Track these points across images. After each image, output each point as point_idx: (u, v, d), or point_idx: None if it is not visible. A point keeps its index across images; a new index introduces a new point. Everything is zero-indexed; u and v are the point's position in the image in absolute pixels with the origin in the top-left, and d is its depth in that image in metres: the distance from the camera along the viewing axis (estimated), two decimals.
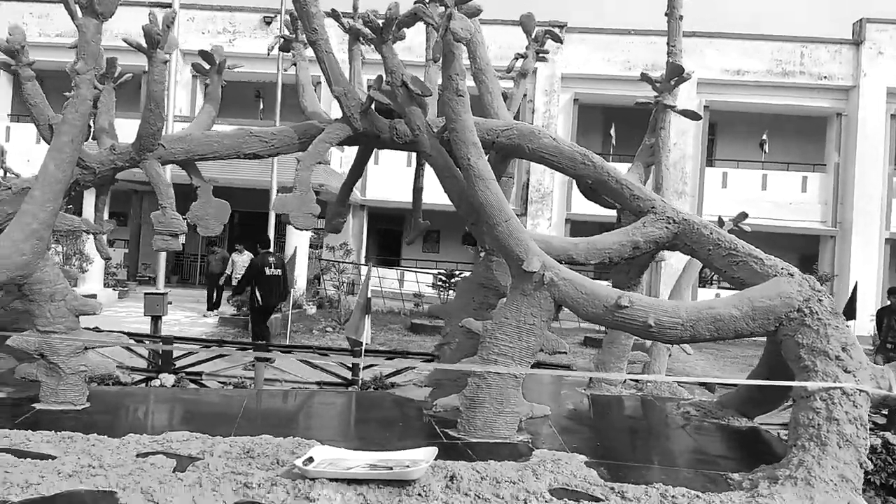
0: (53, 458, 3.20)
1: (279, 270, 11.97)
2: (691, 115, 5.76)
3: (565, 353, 4.17)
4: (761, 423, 4.93)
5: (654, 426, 4.89)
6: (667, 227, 4.54)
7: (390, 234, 27.15)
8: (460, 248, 25.82)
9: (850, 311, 13.87)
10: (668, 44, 6.06)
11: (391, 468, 3.11)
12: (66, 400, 4.15)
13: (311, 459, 3.19)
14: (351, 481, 3.03)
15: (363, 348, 8.42)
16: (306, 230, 4.47)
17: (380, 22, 4.34)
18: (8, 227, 3.91)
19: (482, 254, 5.18)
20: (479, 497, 3.01)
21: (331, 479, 3.02)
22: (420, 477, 3.05)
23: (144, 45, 4.06)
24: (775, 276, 4.02)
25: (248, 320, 15.03)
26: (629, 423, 5.09)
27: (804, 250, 23.11)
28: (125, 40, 4.11)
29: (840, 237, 22.86)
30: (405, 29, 4.48)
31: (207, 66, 4.86)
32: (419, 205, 5.68)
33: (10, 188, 4.22)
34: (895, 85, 22.50)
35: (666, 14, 6.10)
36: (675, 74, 5.59)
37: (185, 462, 3.26)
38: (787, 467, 3.39)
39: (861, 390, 3.50)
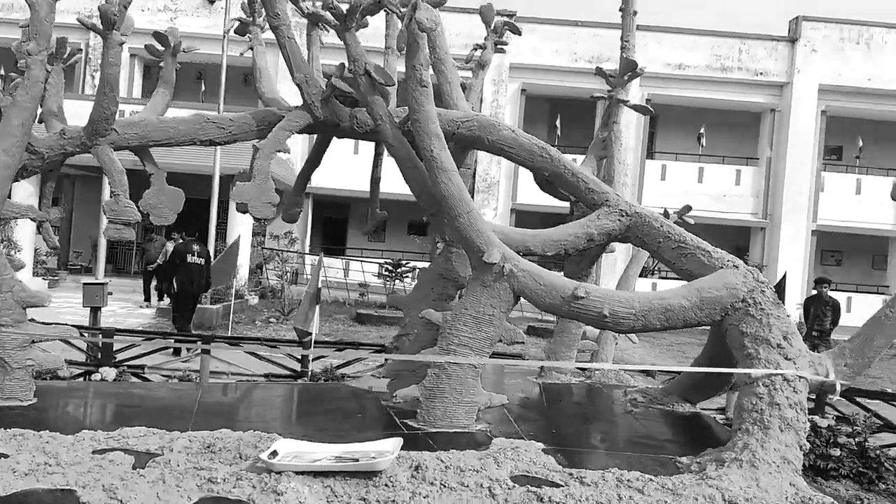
0: (6, 456, 3.11)
1: (202, 259, 11.67)
2: (643, 109, 5.92)
3: (523, 343, 4.27)
4: (702, 409, 5.15)
5: (603, 413, 5.05)
6: (619, 220, 4.68)
7: (335, 222, 26.91)
8: (406, 237, 25.80)
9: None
10: (621, 38, 6.21)
11: (357, 460, 3.14)
12: (12, 396, 4.01)
13: (275, 453, 3.19)
14: (317, 474, 3.05)
15: (312, 339, 8.37)
16: (265, 219, 4.42)
17: (343, 9, 4.31)
18: None
19: (440, 245, 5.23)
20: (444, 486, 3.07)
21: (297, 472, 3.03)
22: (386, 468, 3.09)
23: (100, 25, 3.93)
24: (721, 267, 4.20)
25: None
26: (580, 410, 5.24)
27: (736, 241, 23.98)
28: (79, 20, 3.97)
29: (770, 229, 23.82)
30: (368, 17, 4.46)
31: (160, 48, 4.74)
32: (377, 195, 5.68)
33: None
34: (827, 82, 23.47)
35: (620, 9, 6.25)
36: (629, 70, 5.74)
37: (144, 458, 3.21)
38: (732, 450, 3.58)
39: (801, 376, 3.71)
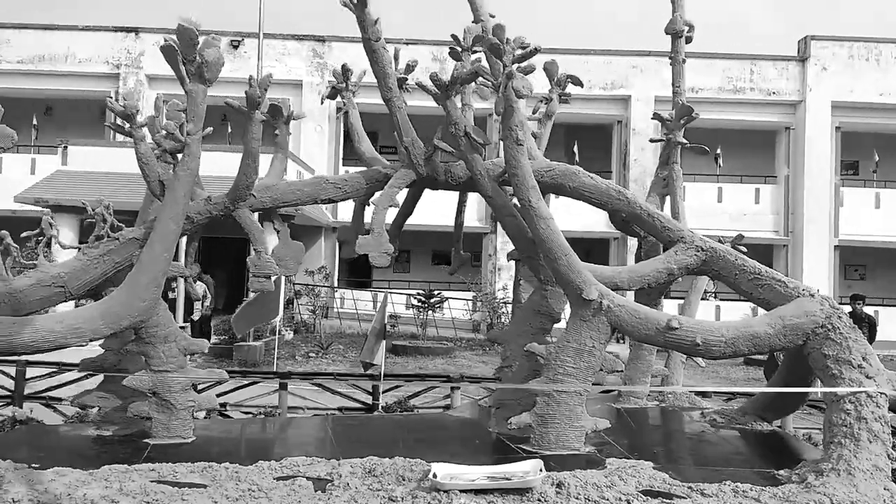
0: (204, 486, 3.61)
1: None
2: (700, 150, 6.46)
3: (621, 371, 4.75)
4: (778, 427, 5.60)
5: (690, 433, 5.50)
6: (696, 255, 5.17)
7: (360, 255, 27.47)
8: (431, 267, 26.34)
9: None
10: (673, 84, 6.78)
11: (509, 479, 3.62)
12: (177, 434, 4.52)
13: (435, 475, 3.67)
14: (478, 491, 3.53)
15: (382, 372, 8.86)
16: (383, 267, 4.95)
17: (445, 80, 4.88)
18: (130, 275, 4.29)
19: (522, 283, 5.75)
20: (588, 499, 3.55)
21: (462, 490, 3.52)
22: (537, 485, 3.57)
23: (245, 107, 4.51)
24: (798, 296, 4.68)
25: (231, 348, 15.25)
26: (667, 430, 5.70)
27: (760, 259, 24.30)
28: (227, 104, 4.55)
29: (792, 245, 24.22)
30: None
31: (273, 119, 5.31)
32: (460, 236, 6.21)
33: (118, 239, 4.58)
34: (839, 99, 24.02)
35: (670, 58, 6.81)
36: (685, 114, 6.29)
37: (321, 483, 3.70)
38: (828, 461, 4.03)
39: (881, 392, 4.17)
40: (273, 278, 5.03)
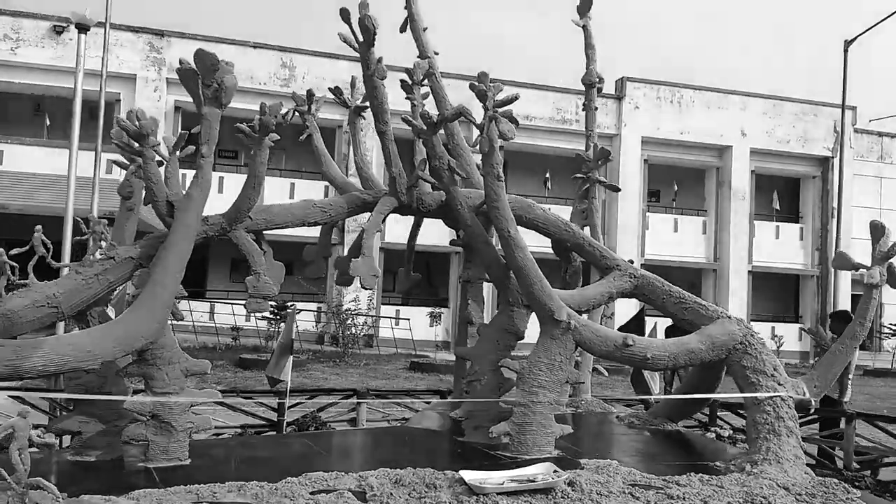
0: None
1: None
2: (613, 188, 7.40)
3: (583, 382, 5.43)
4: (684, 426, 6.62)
5: (618, 433, 6.32)
6: (629, 281, 6.02)
7: (192, 262, 26.19)
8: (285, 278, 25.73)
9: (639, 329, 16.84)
10: (587, 128, 7.68)
11: (534, 480, 4.11)
12: (175, 456, 4.44)
13: (462, 480, 4.06)
14: (510, 493, 3.98)
15: (288, 388, 8.84)
16: (370, 289, 5.22)
17: (433, 118, 5.27)
18: (142, 296, 4.18)
19: (470, 303, 6.27)
20: (600, 493, 4.13)
21: (498, 493, 3.95)
22: (559, 485, 4.09)
23: (256, 133, 4.58)
24: (718, 318, 5.66)
25: None
26: (599, 433, 6.45)
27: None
28: (238, 127, 4.58)
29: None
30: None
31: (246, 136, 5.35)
32: (411, 257, 6.59)
33: (113, 258, 4.41)
34: (647, 135, 27.26)
35: (584, 106, 7.71)
36: (603, 157, 7.20)
37: (359, 495, 3.93)
38: (759, 453, 4.98)
39: (791, 396, 5.23)
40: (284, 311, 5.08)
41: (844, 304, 26.89)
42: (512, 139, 5.19)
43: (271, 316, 19.90)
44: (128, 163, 4.96)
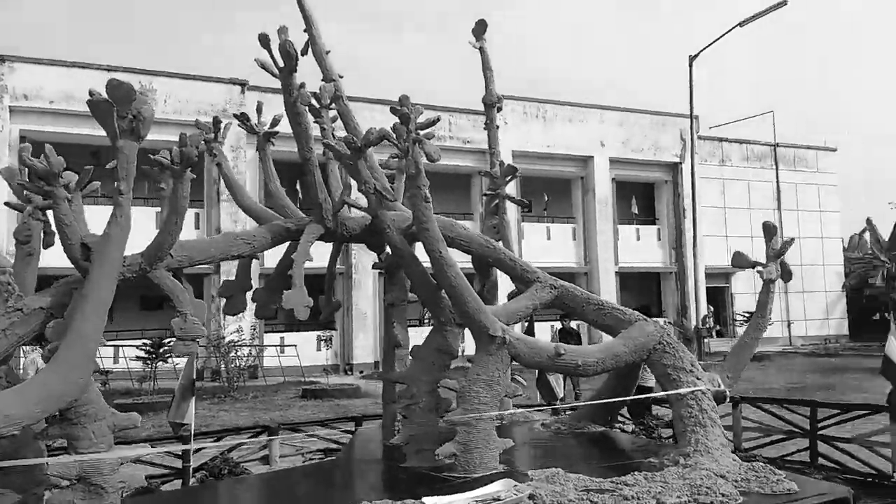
0: None
1: None
2: (521, 203, 7.60)
3: (521, 395, 5.51)
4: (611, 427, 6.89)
5: (548, 440, 6.46)
6: (550, 292, 6.20)
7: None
8: (139, 313, 24.29)
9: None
10: (489, 146, 7.85)
11: (499, 499, 4.11)
12: None
13: None
14: None
15: (192, 432, 8.30)
16: (304, 320, 5.01)
17: (359, 143, 5.19)
18: (62, 349, 3.77)
19: (395, 324, 6.21)
20: (560, 503, 4.20)
21: None
22: (525, 499, 4.12)
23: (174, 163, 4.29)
24: (636, 321, 5.94)
25: None
26: (532, 441, 6.52)
27: None
28: (156, 160, 4.26)
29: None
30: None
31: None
32: (332, 284, 6.42)
33: (20, 310, 3.95)
34: (517, 148, 28.28)
35: (485, 125, 7.89)
36: (510, 173, 7.38)
37: None
38: (688, 446, 5.27)
39: (709, 388, 5.58)
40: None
41: (700, 296, 29.17)
42: (438, 160, 5.22)
43: (146, 356, 18.62)
44: (24, 204, 4.49)
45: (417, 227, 5.29)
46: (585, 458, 5.84)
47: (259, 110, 6.26)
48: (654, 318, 6.04)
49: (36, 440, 4.27)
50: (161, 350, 18.56)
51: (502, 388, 5.35)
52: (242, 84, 23.67)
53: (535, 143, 28.74)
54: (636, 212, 31.28)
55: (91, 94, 3.95)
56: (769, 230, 5.93)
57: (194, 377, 8.51)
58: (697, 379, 5.62)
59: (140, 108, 4.01)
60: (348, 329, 24.86)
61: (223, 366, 20.60)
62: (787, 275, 5.90)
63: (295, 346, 22.84)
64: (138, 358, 18.85)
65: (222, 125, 5.87)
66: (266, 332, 23.70)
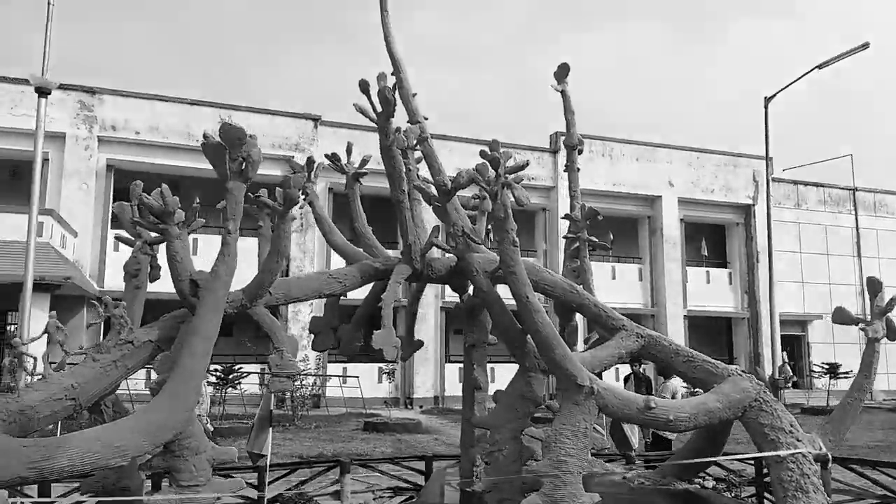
0: None
1: None
2: (602, 246, 7.48)
3: (608, 448, 5.35)
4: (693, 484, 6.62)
5: (635, 497, 6.24)
6: (637, 341, 6.04)
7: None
8: (228, 339, 24.89)
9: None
10: (570, 189, 7.79)
11: None
12: None
13: None
14: None
15: (267, 462, 8.38)
16: (392, 361, 5.03)
17: (448, 186, 5.22)
18: (170, 383, 3.87)
19: (476, 370, 6.15)
20: None
21: None
22: None
23: (278, 204, 4.39)
24: (729, 376, 5.72)
25: None
26: (615, 496, 6.32)
27: None
28: (261, 200, 4.38)
29: None
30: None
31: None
32: (413, 325, 6.42)
33: (132, 342, 4.08)
34: (583, 186, 27.72)
35: (566, 167, 7.84)
36: (591, 216, 7.28)
37: None
38: None
39: (810, 451, 5.30)
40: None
41: (775, 344, 28.07)
42: (526, 204, 5.19)
43: (216, 382, 18.99)
44: (133, 239, 4.66)
45: (504, 271, 5.24)
46: None
47: (349, 151, 6.38)
48: (750, 374, 5.79)
49: (139, 471, 4.36)
50: (230, 376, 18.92)
51: (589, 440, 5.21)
52: (315, 119, 24.28)
53: (601, 182, 28.51)
54: (706, 254, 30.50)
55: (205, 136, 4.09)
56: (874, 286, 5.65)
57: (272, 408, 8.63)
58: (797, 441, 5.35)
59: (250, 151, 4.13)
60: (410, 362, 24.86)
61: (289, 394, 20.85)
62: (892, 333, 5.59)
63: (357, 377, 22.96)
64: (209, 384, 19.24)
65: (315, 165, 6.00)
66: (329, 361, 23.93)
